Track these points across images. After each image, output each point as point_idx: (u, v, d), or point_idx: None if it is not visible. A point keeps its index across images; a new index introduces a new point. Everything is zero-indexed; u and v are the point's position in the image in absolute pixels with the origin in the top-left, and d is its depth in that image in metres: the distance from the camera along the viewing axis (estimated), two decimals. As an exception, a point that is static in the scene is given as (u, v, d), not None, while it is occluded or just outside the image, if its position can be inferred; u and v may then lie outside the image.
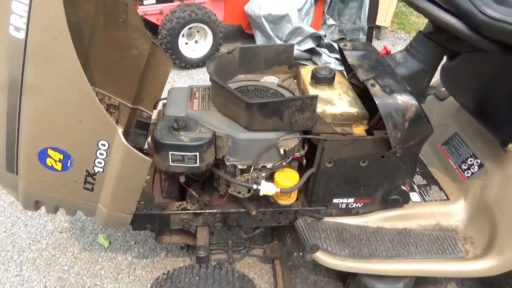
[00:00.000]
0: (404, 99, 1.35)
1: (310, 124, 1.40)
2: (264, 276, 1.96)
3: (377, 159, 1.49)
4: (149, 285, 1.89)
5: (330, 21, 4.46)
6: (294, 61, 1.73)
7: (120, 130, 1.17)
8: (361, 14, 4.37)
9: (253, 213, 1.59)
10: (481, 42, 1.25)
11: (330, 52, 3.99)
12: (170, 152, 1.35)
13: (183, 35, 3.63)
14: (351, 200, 1.62)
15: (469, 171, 1.73)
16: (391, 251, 1.56)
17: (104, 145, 1.19)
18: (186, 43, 3.74)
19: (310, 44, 3.99)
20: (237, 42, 4.47)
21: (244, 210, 1.61)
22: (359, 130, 1.47)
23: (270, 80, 1.73)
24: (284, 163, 1.47)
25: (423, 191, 1.77)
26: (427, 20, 1.42)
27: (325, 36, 4.08)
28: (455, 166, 1.80)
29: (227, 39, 4.37)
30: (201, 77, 3.75)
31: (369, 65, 1.51)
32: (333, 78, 1.54)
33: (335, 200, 1.62)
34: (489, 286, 1.81)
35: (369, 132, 1.47)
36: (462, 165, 1.77)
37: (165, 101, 1.68)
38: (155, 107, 1.80)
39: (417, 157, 1.53)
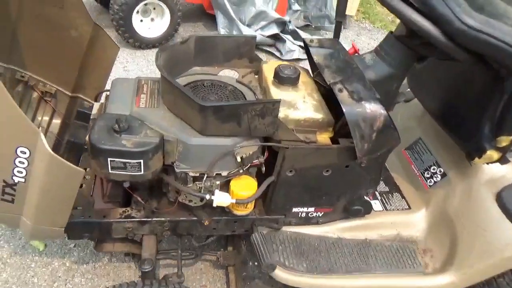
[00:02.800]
0: (373, 108, 1.24)
1: (271, 130, 1.26)
2: (217, 283, 1.84)
3: (341, 169, 1.39)
4: (89, 294, 1.72)
5: (296, 7, 4.30)
6: (256, 54, 1.58)
7: (43, 136, 0.96)
8: (327, 1, 4.27)
9: (206, 222, 1.45)
10: (455, 50, 1.16)
11: (295, 39, 3.84)
12: (109, 159, 1.16)
13: (137, 12, 3.33)
14: (311, 209, 1.52)
15: (431, 180, 1.67)
16: (350, 265, 1.49)
17: (25, 153, 0.99)
18: (141, 21, 3.44)
19: (274, 30, 3.82)
20: (198, 23, 4.22)
21: (196, 218, 1.47)
22: (324, 137, 1.35)
23: (229, 74, 1.56)
24: (241, 171, 1.33)
25: (385, 199, 1.70)
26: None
27: (289, 21, 3.92)
28: (418, 173, 1.74)
29: (187, 18, 4.10)
30: (157, 59, 3.48)
31: (337, 66, 1.38)
32: (297, 78, 1.40)
33: (294, 209, 1.51)
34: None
35: (334, 139, 1.36)
36: (425, 172, 1.71)
37: (108, 92, 1.48)
38: (96, 99, 1.59)
39: (382, 167, 1.45)
